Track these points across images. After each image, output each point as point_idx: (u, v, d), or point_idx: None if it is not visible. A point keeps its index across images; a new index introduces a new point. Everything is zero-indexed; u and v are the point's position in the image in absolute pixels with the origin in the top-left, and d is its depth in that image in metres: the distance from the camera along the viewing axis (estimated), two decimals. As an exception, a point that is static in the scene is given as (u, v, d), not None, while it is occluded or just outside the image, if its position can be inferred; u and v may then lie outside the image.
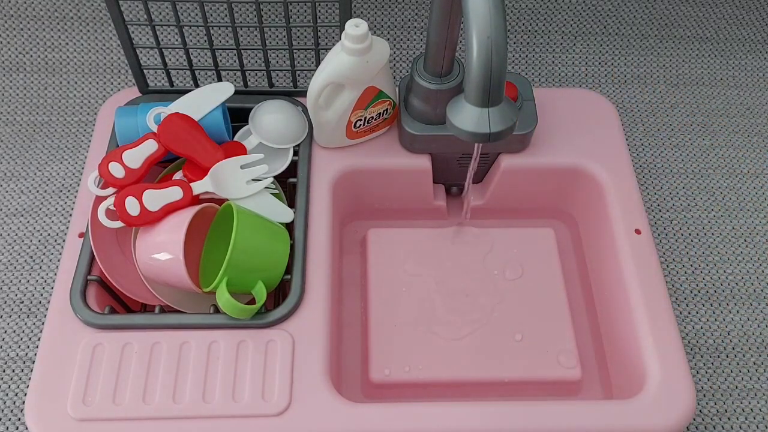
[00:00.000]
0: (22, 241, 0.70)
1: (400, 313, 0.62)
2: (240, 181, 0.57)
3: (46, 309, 0.65)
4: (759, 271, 0.72)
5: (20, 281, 0.67)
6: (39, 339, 0.58)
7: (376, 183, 0.65)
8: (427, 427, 0.50)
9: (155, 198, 0.54)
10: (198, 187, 0.56)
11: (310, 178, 0.61)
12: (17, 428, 0.60)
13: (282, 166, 0.61)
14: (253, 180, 0.58)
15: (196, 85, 0.67)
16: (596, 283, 0.64)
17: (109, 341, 0.52)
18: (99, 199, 0.56)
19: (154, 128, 0.57)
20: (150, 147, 0.56)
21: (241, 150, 0.60)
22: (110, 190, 0.55)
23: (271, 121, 0.61)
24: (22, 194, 0.73)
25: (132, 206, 0.53)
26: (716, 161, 0.80)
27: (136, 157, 0.55)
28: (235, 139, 0.63)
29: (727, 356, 0.67)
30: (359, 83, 0.57)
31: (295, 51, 0.63)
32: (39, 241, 0.70)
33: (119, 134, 0.59)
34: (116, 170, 0.55)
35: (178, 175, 0.58)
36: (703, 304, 0.70)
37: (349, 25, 0.53)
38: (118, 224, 0.53)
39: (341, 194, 0.63)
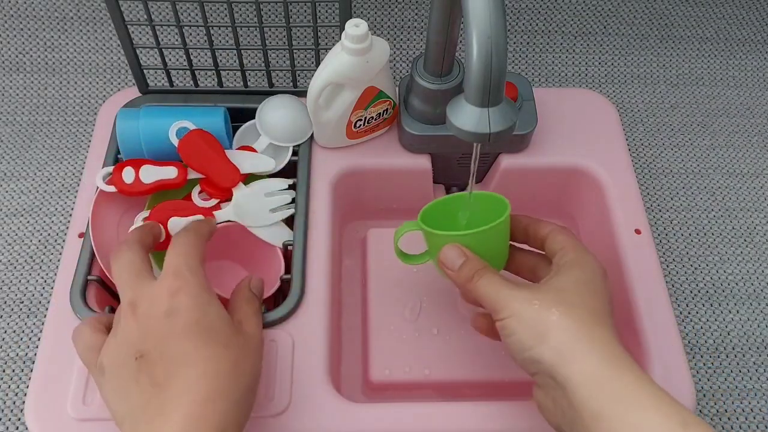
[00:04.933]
0: (22, 241, 0.70)
1: (401, 313, 0.62)
2: (264, 209, 0.58)
3: (46, 309, 0.65)
4: (759, 271, 0.73)
5: (20, 281, 0.67)
6: (39, 339, 0.58)
7: (376, 183, 0.65)
8: (427, 427, 0.50)
9: (180, 225, 0.55)
10: (221, 215, 0.57)
11: (310, 178, 0.61)
12: (17, 428, 0.60)
13: (281, 163, 0.61)
14: (276, 209, 0.59)
15: (196, 85, 0.67)
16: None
17: (109, 341, 0.52)
18: (101, 198, 0.56)
19: (175, 141, 0.57)
20: (169, 173, 0.57)
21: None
22: (113, 188, 0.56)
23: (278, 117, 0.62)
24: (22, 194, 0.73)
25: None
26: (716, 161, 0.80)
27: (152, 174, 0.56)
28: (236, 136, 0.63)
29: (727, 356, 0.67)
30: (359, 83, 0.57)
31: (295, 51, 0.63)
32: (39, 241, 0.70)
33: (120, 136, 0.59)
34: (128, 175, 0.56)
35: (195, 191, 0.59)
36: (703, 304, 0.70)
37: (349, 25, 0.53)
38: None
39: (341, 194, 0.63)
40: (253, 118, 0.63)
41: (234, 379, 0.42)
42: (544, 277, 0.48)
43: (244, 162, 0.59)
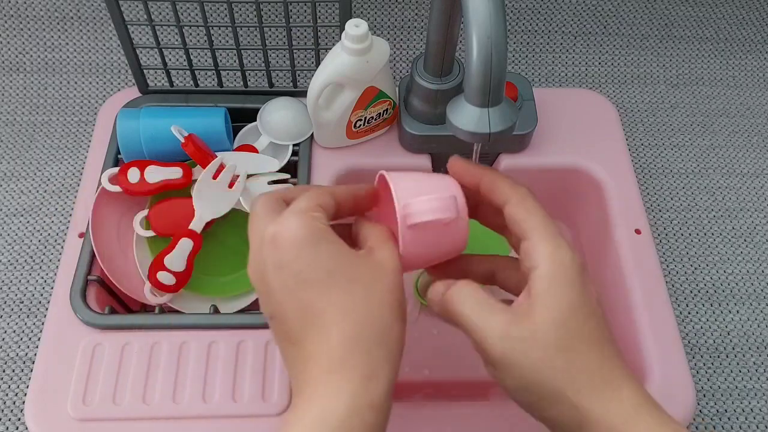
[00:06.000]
0: (22, 241, 0.70)
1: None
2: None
3: (46, 309, 0.65)
4: (759, 271, 0.73)
5: (20, 281, 0.67)
6: (39, 339, 0.58)
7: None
8: (427, 427, 0.50)
9: None
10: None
11: (310, 178, 0.61)
12: (17, 428, 0.60)
13: (281, 163, 0.61)
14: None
15: (196, 85, 0.67)
16: (596, 283, 0.64)
17: (109, 341, 0.52)
18: (101, 198, 0.56)
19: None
20: (174, 173, 0.57)
21: (251, 152, 0.61)
22: (119, 188, 0.57)
23: (279, 117, 0.62)
24: (22, 194, 0.73)
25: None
26: (716, 161, 0.80)
27: (157, 174, 0.57)
28: (238, 137, 0.63)
29: (727, 356, 0.67)
30: (359, 83, 0.57)
31: (295, 51, 0.63)
32: (39, 241, 0.70)
33: (120, 136, 0.59)
34: (133, 175, 0.56)
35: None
36: (703, 304, 0.70)
37: (349, 25, 0.53)
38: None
39: (341, 194, 0.63)
40: (253, 118, 0.63)
41: (367, 317, 0.37)
42: (505, 281, 0.43)
43: (247, 163, 0.59)
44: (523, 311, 0.38)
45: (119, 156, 0.61)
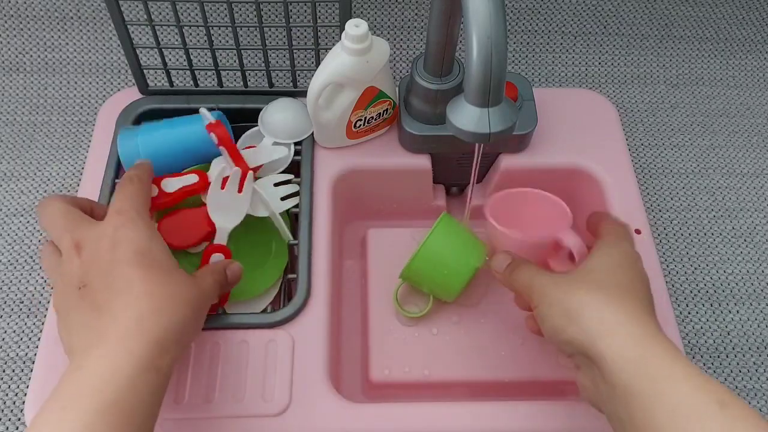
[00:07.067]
0: (22, 241, 0.70)
1: (400, 313, 0.62)
2: (275, 198, 0.59)
3: (46, 309, 0.65)
4: (759, 271, 0.73)
5: (20, 281, 0.67)
6: (39, 339, 0.58)
7: (376, 183, 0.65)
8: (427, 427, 0.50)
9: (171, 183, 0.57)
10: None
11: (314, 177, 0.61)
12: (17, 428, 0.60)
13: (284, 163, 0.61)
14: (285, 197, 0.60)
15: (196, 85, 0.67)
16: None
17: (109, 341, 0.52)
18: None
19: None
20: (190, 179, 0.56)
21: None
22: None
23: (280, 118, 0.62)
24: (22, 194, 0.73)
25: None
26: (716, 161, 0.80)
27: (174, 184, 0.56)
28: (240, 142, 0.63)
29: (727, 356, 0.67)
30: (359, 83, 0.57)
31: (295, 51, 0.63)
32: (39, 241, 0.70)
33: (123, 158, 0.58)
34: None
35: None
36: (703, 304, 0.70)
37: (349, 25, 0.53)
38: None
39: (341, 194, 0.63)
40: (253, 118, 0.63)
41: (171, 302, 0.43)
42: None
43: (259, 155, 0.59)
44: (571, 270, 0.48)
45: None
